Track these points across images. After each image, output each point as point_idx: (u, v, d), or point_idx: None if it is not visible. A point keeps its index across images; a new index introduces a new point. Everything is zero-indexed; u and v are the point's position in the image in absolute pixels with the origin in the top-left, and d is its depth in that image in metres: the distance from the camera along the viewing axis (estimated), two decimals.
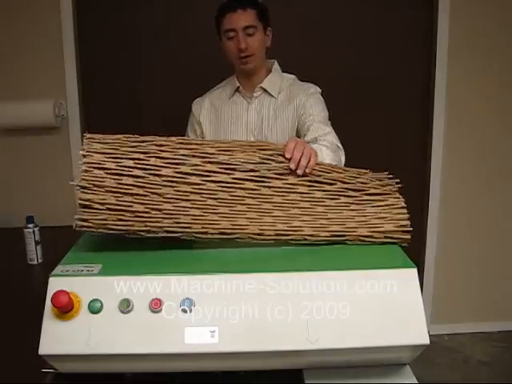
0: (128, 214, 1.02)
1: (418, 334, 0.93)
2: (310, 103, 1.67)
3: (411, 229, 1.11)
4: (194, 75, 2.38)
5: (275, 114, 1.71)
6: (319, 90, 1.74)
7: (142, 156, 1.04)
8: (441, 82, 2.47)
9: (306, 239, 1.08)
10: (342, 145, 1.78)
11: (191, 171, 1.04)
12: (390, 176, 1.24)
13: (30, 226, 1.81)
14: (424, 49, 2.48)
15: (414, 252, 1.09)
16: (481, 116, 2.53)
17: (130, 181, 1.03)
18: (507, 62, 2.48)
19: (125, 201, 1.02)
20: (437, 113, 2.51)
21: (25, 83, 2.35)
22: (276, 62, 1.77)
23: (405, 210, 1.16)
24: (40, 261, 1.83)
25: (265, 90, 1.72)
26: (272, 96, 1.72)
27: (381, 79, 2.47)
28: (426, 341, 0.93)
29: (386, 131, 2.52)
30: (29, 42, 2.32)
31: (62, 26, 2.32)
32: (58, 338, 0.92)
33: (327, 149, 1.43)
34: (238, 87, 1.73)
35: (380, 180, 1.23)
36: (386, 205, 1.16)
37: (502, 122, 2.55)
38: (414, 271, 0.99)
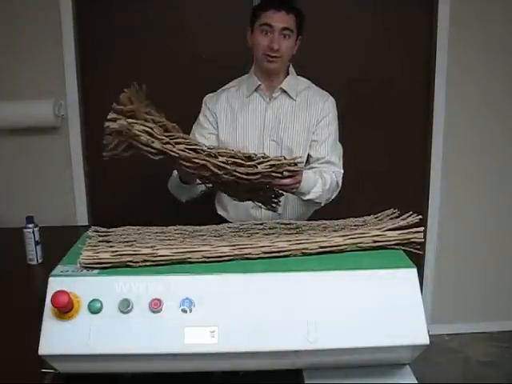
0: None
1: (418, 334, 0.93)
2: (325, 123, 1.72)
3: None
4: (194, 75, 2.38)
5: (293, 116, 1.72)
6: (334, 102, 1.76)
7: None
8: (441, 83, 2.47)
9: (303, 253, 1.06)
10: (343, 146, 1.80)
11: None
12: (395, 212, 1.22)
13: (30, 226, 1.81)
14: (424, 49, 2.48)
15: (414, 252, 1.09)
16: (481, 116, 2.53)
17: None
18: (508, 62, 2.48)
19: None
20: (437, 113, 2.51)
21: (24, 83, 2.34)
22: (291, 65, 1.77)
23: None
24: (40, 261, 1.83)
25: (284, 91, 1.72)
26: (291, 98, 1.72)
27: (380, 80, 2.46)
28: (426, 341, 0.93)
29: (386, 131, 2.52)
30: (28, 41, 2.32)
31: (62, 25, 2.31)
32: (57, 338, 0.92)
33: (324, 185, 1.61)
34: (259, 85, 1.72)
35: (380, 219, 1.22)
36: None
37: (502, 123, 2.55)
38: (414, 271, 0.99)
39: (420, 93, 2.53)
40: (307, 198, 1.57)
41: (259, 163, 1.26)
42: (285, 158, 1.34)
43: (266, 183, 1.33)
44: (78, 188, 2.47)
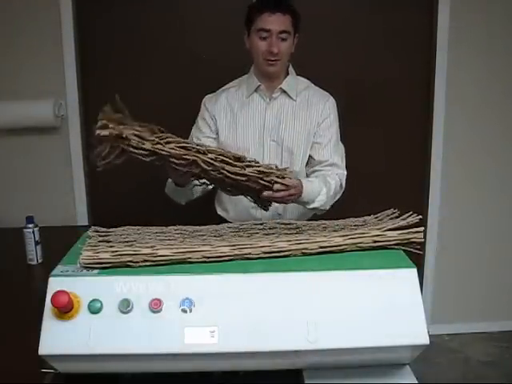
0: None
1: (418, 334, 0.93)
2: (327, 124, 1.71)
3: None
4: (195, 75, 2.38)
5: (293, 116, 1.71)
6: (335, 102, 1.76)
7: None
8: (441, 83, 2.47)
9: (303, 253, 1.06)
10: (344, 147, 1.80)
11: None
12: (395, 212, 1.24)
13: (30, 226, 1.81)
14: (423, 50, 2.48)
15: (414, 252, 1.09)
16: (481, 117, 2.53)
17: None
18: (508, 62, 2.48)
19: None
20: (437, 113, 2.51)
21: (24, 83, 2.34)
22: (290, 65, 1.77)
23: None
24: (40, 261, 1.82)
25: (284, 92, 1.72)
26: (291, 98, 1.72)
27: (380, 80, 2.46)
28: (426, 341, 0.93)
29: (386, 132, 2.52)
30: (28, 41, 2.32)
31: (62, 25, 2.31)
32: (57, 338, 0.92)
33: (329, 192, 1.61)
34: (259, 86, 1.71)
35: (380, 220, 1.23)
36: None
37: (502, 123, 2.55)
38: (414, 271, 0.99)
39: (420, 93, 2.53)
40: (311, 206, 1.58)
41: (247, 166, 1.30)
42: (277, 168, 1.38)
43: (254, 188, 1.36)
44: (78, 188, 2.47)
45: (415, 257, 1.06)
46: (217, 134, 1.74)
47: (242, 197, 1.53)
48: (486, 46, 2.45)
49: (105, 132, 1.19)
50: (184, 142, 1.25)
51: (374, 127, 2.49)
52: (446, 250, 2.65)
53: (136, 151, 1.21)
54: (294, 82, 1.74)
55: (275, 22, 1.58)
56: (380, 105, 2.49)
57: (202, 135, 1.75)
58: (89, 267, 0.99)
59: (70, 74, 2.37)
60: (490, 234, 2.66)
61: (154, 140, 1.21)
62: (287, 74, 1.74)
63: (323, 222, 1.26)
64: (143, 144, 1.20)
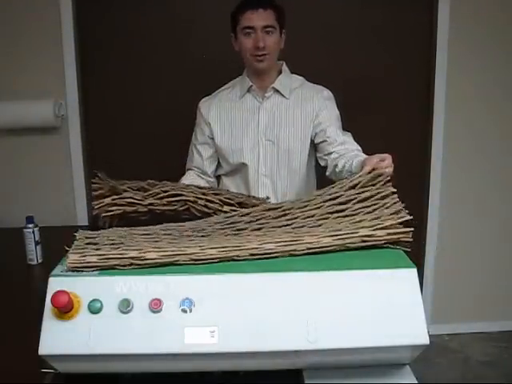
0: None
1: (418, 334, 0.93)
2: (326, 112, 1.71)
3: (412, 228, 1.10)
4: (194, 75, 2.38)
5: (287, 115, 1.72)
6: (331, 94, 1.76)
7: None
8: (441, 83, 2.47)
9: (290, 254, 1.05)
10: None
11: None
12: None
13: (30, 226, 1.81)
14: (423, 49, 2.48)
15: (414, 252, 1.09)
16: (481, 117, 2.53)
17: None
18: (508, 62, 2.48)
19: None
20: (437, 114, 2.51)
21: (25, 83, 2.35)
22: (284, 64, 1.77)
23: (401, 206, 1.17)
24: (40, 261, 1.82)
25: (276, 91, 1.72)
26: (284, 96, 1.72)
27: (380, 80, 2.46)
28: (426, 341, 0.93)
29: (386, 132, 2.51)
30: (28, 41, 2.32)
31: (62, 25, 2.32)
32: (57, 338, 0.92)
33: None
34: (251, 86, 1.73)
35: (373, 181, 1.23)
36: (380, 206, 1.15)
37: (502, 123, 2.55)
38: (414, 271, 0.99)
39: (420, 93, 2.53)
40: None
41: (233, 210, 1.35)
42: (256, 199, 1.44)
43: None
44: (78, 188, 2.47)
45: (415, 257, 1.06)
46: (212, 138, 1.77)
47: (244, 186, 1.72)
48: (486, 45, 2.45)
49: (105, 214, 1.35)
50: (175, 190, 1.36)
51: (372, 127, 2.48)
52: (446, 250, 2.65)
53: (134, 215, 1.35)
54: (288, 81, 1.74)
55: (258, 18, 1.62)
56: (379, 104, 2.49)
57: (198, 142, 1.80)
58: (75, 271, 0.99)
59: (70, 74, 2.37)
60: (489, 234, 2.66)
61: (146, 202, 1.34)
62: (280, 72, 1.74)
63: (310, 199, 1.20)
64: (137, 208, 1.34)
